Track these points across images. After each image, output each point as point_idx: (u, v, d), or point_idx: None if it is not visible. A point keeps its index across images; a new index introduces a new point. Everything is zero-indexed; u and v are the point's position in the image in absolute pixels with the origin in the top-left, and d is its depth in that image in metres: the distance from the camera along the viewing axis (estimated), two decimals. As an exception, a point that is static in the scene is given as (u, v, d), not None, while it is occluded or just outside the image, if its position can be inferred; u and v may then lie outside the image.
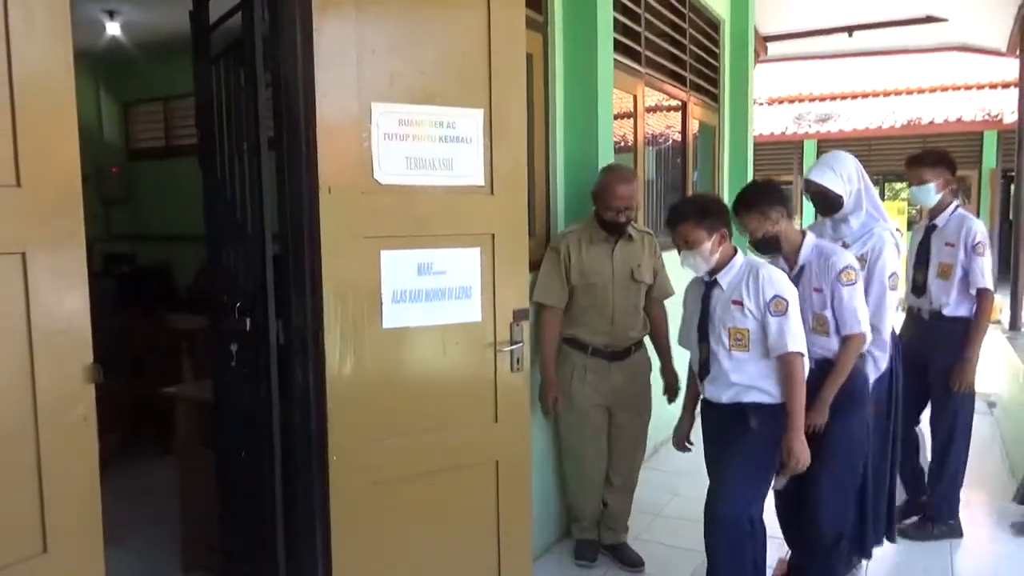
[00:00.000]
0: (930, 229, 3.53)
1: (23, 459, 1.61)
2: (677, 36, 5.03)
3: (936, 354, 3.43)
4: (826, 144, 14.90)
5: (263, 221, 2.25)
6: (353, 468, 2.27)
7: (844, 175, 2.98)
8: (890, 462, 3.19)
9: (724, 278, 2.55)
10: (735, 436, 2.56)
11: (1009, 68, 10.30)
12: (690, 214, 2.52)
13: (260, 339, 2.31)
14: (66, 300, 1.65)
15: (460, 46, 2.40)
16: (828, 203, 3.02)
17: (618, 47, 3.91)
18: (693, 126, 5.48)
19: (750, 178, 6.45)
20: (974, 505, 3.88)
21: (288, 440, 2.29)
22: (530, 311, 2.59)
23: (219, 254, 2.74)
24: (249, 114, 2.29)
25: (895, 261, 2.97)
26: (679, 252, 2.57)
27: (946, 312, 3.40)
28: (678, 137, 5.34)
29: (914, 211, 14.89)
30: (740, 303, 2.50)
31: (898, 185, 16.73)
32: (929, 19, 6.86)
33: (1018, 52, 6.58)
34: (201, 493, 2.96)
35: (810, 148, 15.12)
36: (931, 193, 3.44)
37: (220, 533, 2.82)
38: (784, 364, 2.48)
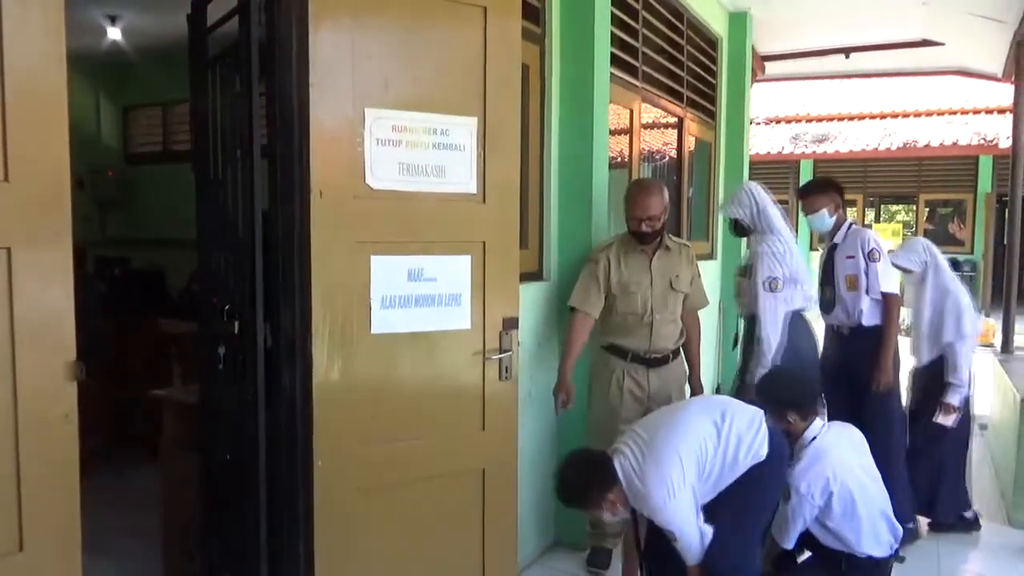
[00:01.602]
0: (832, 248, 3.84)
1: (1, 455, 1.59)
2: (675, 52, 5.06)
3: (860, 366, 3.63)
4: (823, 165, 14.98)
5: (253, 223, 2.25)
6: (338, 474, 2.25)
7: (737, 202, 3.54)
8: None
9: (635, 504, 2.53)
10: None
11: (1005, 93, 10.37)
12: (573, 501, 2.57)
13: (248, 342, 2.30)
14: (50, 297, 1.64)
15: (456, 55, 2.41)
16: (737, 227, 3.59)
17: (615, 61, 3.93)
18: (689, 143, 5.50)
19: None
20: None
21: (273, 444, 2.28)
22: (519, 319, 2.59)
23: (209, 256, 2.73)
24: (243, 117, 2.29)
25: (772, 266, 3.39)
26: None
27: (865, 322, 3.62)
28: (674, 153, 5.36)
29: (909, 233, 14.96)
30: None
31: (894, 207, 16.81)
32: (926, 43, 6.91)
33: (1013, 78, 6.63)
34: (184, 498, 2.94)
35: (807, 168, 15.19)
36: (825, 218, 3.78)
37: (202, 538, 2.79)
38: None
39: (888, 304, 3.60)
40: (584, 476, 2.53)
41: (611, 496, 2.48)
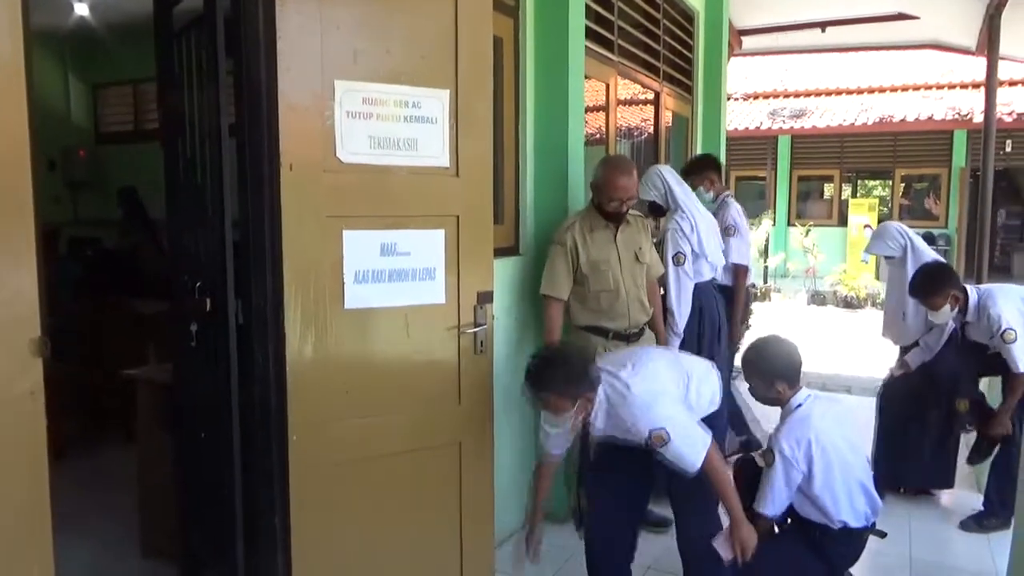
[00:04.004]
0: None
1: (-33, 433, 1.57)
2: (651, 26, 5.04)
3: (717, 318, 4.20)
4: (800, 140, 15.05)
5: (223, 197, 2.22)
6: (313, 448, 2.25)
7: (650, 184, 3.80)
8: None
9: (596, 422, 2.49)
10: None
11: (980, 68, 10.46)
12: (553, 385, 2.39)
13: (220, 319, 2.28)
14: (12, 274, 1.61)
15: (426, 26, 2.39)
16: (653, 207, 3.84)
17: (591, 35, 3.91)
18: (666, 117, 5.49)
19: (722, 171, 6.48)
20: (937, 494, 4.02)
21: (247, 420, 2.27)
22: (493, 293, 2.58)
23: (180, 233, 2.70)
24: (210, 90, 2.25)
25: (678, 242, 3.70)
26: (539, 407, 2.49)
27: (720, 282, 4.17)
28: (651, 129, 5.35)
29: (885, 209, 15.12)
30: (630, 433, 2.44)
31: (871, 182, 16.95)
32: (901, 16, 6.94)
33: (986, 51, 6.67)
34: (161, 477, 2.93)
35: (784, 144, 15.26)
36: (703, 194, 4.24)
37: (179, 517, 2.79)
38: (703, 473, 2.42)
39: (736, 273, 4.22)
40: (568, 369, 2.44)
41: (583, 399, 2.42)
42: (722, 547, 2.49)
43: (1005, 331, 3.38)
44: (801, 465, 2.69)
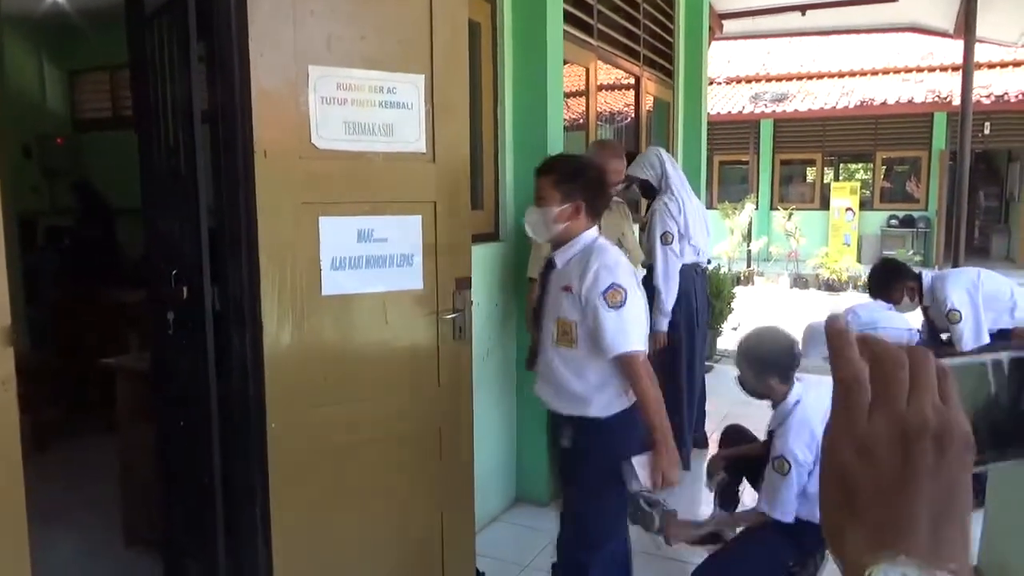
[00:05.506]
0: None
1: (-62, 424, 1.56)
2: (631, 10, 5.02)
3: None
4: (782, 124, 15.09)
5: (198, 184, 2.21)
6: (293, 436, 2.24)
7: (647, 164, 3.86)
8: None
9: (561, 257, 2.36)
10: (566, 460, 2.41)
11: (959, 51, 10.50)
12: (555, 171, 2.37)
13: (197, 307, 2.27)
14: (-18, 262, 1.60)
15: (401, 11, 2.37)
16: (645, 187, 3.92)
17: (569, 19, 3.89)
18: (647, 102, 5.49)
19: (704, 156, 6.50)
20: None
21: (226, 408, 2.26)
22: (471, 279, 2.58)
23: (156, 221, 2.68)
24: (182, 75, 2.23)
25: (666, 222, 3.77)
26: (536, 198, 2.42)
27: None
28: (632, 114, 5.34)
29: (867, 192, 15.20)
30: (569, 288, 2.26)
31: (852, 166, 17.03)
32: (880, -1, 6.96)
33: (963, 34, 6.71)
34: (141, 466, 2.92)
35: (767, 128, 15.30)
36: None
37: (160, 505, 2.78)
38: (625, 367, 2.21)
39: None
40: (581, 165, 2.43)
41: (573, 205, 2.30)
42: (640, 470, 2.18)
43: (950, 312, 3.51)
44: (812, 466, 2.63)
